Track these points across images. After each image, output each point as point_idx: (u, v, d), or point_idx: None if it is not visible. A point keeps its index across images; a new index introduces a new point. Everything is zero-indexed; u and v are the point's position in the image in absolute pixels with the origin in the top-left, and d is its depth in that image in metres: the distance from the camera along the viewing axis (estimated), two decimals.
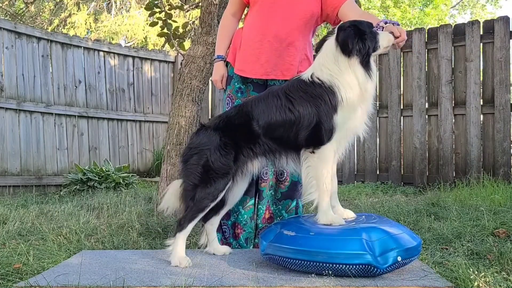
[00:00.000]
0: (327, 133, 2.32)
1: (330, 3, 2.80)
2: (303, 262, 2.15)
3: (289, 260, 2.20)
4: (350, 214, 2.46)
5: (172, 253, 2.42)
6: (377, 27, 2.45)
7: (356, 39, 2.29)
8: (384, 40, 2.38)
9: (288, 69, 2.80)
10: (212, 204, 2.43)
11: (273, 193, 2.95)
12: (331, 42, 2.39)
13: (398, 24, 2.50)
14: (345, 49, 2.29)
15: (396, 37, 2.42)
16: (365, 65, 2.32)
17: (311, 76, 2.38)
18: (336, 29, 2.39)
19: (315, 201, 2.38)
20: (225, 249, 2.66)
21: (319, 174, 2.35)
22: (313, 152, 2.35)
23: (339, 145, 2.40)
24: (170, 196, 2.56)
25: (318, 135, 2.33)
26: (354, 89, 2.32)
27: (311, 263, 2.12)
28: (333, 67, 2.34)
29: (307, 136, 2.34)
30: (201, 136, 2.47)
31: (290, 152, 2.43)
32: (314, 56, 2.61)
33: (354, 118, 2.36)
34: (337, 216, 2.36)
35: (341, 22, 2.83)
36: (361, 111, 2.37)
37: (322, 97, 2.32)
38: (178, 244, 2.42)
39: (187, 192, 2.42)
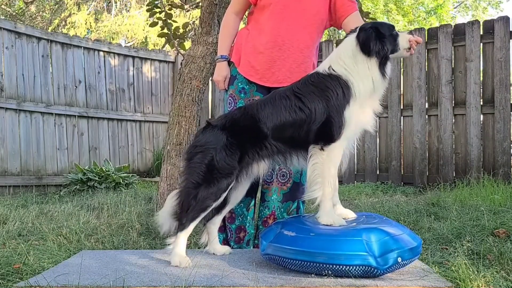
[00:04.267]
0: (338, 128, 2.32)
1: (338, 10, 2.83)
2: (303, 262, 2.15)
3: (289, 260, 2.20)
4: (350, 214, 2.46)
5: (172, 253, 2.40)
6: None
7: (376, 40, 2.33)
8: (404, 41, 2.41)
9: (302, 76, 2.78)
10: (215, 204, 2.42)
11: (275, 196, 2.92)
12: (351, 38, 2.42)
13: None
14: (365, 49, 2.33)
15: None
16: (382, 66, 2.36)
17: (329, 68, 2.39)
18: (358, 28, 2.42)
19: (317, 199, 2.37)
20: (225, 249, 2.65)
21: (326, 172, 2.33)
22: (323, 149, 2.34)
23: (348, 142, 2.40)
24: (166, 213, 2.50)
25: (329, 131, 2.32)
26: (368, 87, 2.34)
27: (311, 263, 2.12)
28: (349, 62, 2.36)
29: (316, 131, 2.33)
30: (207, 134, 2.44)
31: (301, 150, 2.41)
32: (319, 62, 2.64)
33: (363, 113, 2.37)
34: (338, 216, 2.35)
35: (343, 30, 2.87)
36: (369, 108, 2.39)
37: (335, 89, 2.33)
38: (179, 243, 2.40)
39: (189, 190, 2.39)
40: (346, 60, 2.37)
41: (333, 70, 2.37)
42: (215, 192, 2.37)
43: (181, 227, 2.40)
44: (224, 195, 2.42)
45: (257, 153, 2.40)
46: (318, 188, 2.35)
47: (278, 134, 2.38)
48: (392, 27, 2.44)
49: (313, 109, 2.33)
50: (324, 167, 2.33)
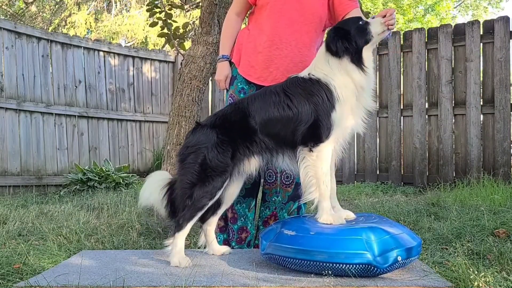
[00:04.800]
0: (326, 130, 2.33)
1: (336, 9, 2.82)
2: (303, 261, 2.15)
3: (289, 259, 2.20)
4: (350, 215, 2.46)
5: (171, 253, 2.41)
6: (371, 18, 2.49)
7: (341, 40, 2.35)
8: (376, 26, 2.40)
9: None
10: (210, 203, 2.43)
11: (280, 199, 2.92)
12: (323, 44, 2.48)
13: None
14: (332, 52, 2.37)
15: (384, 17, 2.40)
16: (357, 61, 2.36)
17: (308, 74, 2.43)
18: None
19: (315, 200, 2.38)
20: (225, 249, 2.65)
21: (319, 172, 2.35)
22: (311, 150, 2.35)
23: (336, 143, 2.41)
24: (150, 186, 2.54)
25: (317, 133, 2.34)
26: (349, 86, 2.36)
27: (311, 262, 2.12)
28: (326, 68, 2.40)
29: (305, 133, 2.35)
30: (197, 134, 2.46)
31: (287, 149, 2.42)
32: None
33: (351, 115, 2.38)
34: (338, 215, 2.36)
35: None
36: (358, 107, 2.39)
37: (319, 94, 2.35)
38: (177, 244, 2.41)
39: (184, 190, 2.40)
40: (322, 67, 2.41)
41: (312, 75, 2.41)
42: (210, 191, 2.38)
43: (178, 227, 2.40)
44: (219, 193, 2.43)
45: (247, 149, 2.41)
46: (314, 190, 2.37)
47: (266, 129, 2.39)
48: (357, 19, 2.44)
49: (300, 110, 2.36)
50: (317, 168, 2.35)
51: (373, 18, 2.48)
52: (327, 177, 2.37)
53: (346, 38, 2.36)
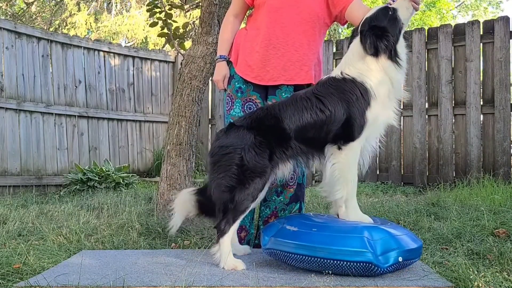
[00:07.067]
0: (358, 128, 2.32)
1: (337, 4, 2.80)
2: (304, 257, 2.15)
3: (290, 255, 2.20)
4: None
5: (222, 260, 2.32)
6: (388, 4, 2.43)
7: (379, 40, 2.31)
8: (403, 11, 2.36)
9: (298, 73, 2.77)
10: (252, 205, 2.38)
11: (282, 199, 2.91)
12: (357, 42, 2.42)
13: None
14: (372, 52, 2.32)
15: None
16: (393, 56, 2.33)
17: (341, 73, 2.39)
18: (358, 31, 2.41)
19: (342, 199, 2.37)
20: (245, 249, 2.65)
21: (347, 171, 2.34)
22: (340, 148, 2.34)
23: (367, 141, 2.40)
24: (181, 207, 2.50)
25: (349, 131, 2.32)
26: (385, 83, 2.34)
27: (312, 258, 2.13)
28: (362, 66, 2.36)
29: (336, 132, 2.33)
30: (232, 135, 2.39)
31: (322, 151, 2.41)
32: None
33: (385, 109, 2.37)
34: (365, 215, 2.37)
35: (348, 21, 2.83)
36: (390, 100, 2.39)
37: (353, 92, 2.33)
38: (225, 249, 2.33)
39: (223, 194, 2.33)
40: (358, 65, 2.37)
41: (347, 74, 2.38)
42: (252, 193, 2.32)
43: (221, 233, 2.33)
44: (260, 195, 2.38)
45: (284, 153, 2.38)
46: (341, 188, 2.36)
47: (300, 135, 2.37)
48: (386, 9, 2.38)
49: (333, 111, 2.33)
50: (345, 166, 2.34)
51: (394, 0, 2.41)
52: (355, 176, 2.36)
53: (383, 36, 2.31)
